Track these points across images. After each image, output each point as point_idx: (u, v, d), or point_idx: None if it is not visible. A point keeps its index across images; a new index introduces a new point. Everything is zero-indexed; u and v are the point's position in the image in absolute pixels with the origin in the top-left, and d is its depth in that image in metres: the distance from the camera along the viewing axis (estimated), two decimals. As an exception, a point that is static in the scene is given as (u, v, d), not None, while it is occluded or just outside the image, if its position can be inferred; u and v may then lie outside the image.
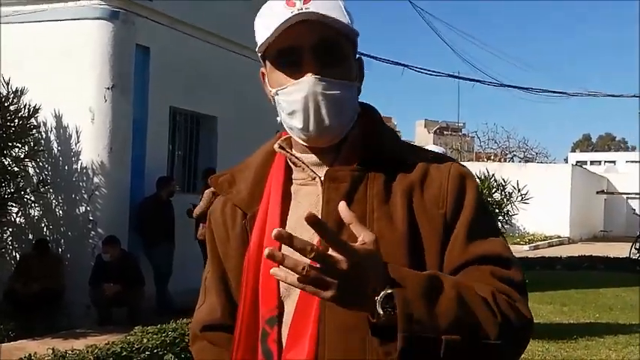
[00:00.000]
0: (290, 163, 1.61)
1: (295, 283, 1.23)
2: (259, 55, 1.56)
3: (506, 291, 1.44)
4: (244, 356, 1.55)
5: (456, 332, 1.30)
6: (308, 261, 1.20)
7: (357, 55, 1.58)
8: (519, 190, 8.32)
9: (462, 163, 1.65)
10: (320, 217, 1.36)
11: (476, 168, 8.89)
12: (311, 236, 1.33)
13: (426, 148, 4.15)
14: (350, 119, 1.53)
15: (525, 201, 8.31)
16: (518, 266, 1.52)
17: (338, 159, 1.55)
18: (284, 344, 1.49)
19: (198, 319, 1.73)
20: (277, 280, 1.39)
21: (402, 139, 1.66)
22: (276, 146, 1.63)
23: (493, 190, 8.37)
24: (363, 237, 1.29)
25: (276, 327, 1.51)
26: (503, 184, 8.34)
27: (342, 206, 1.31)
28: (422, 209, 1.50)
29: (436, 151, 4.13)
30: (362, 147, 1.55)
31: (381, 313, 1.26)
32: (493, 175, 8.44)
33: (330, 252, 1.23)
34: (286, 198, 1.58)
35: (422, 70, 19.42)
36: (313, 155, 1.57)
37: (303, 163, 1.58)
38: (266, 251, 1.22)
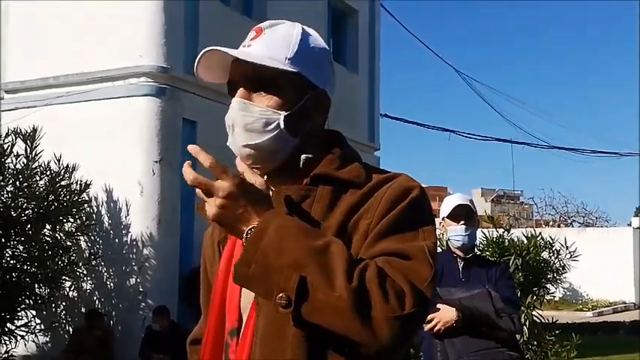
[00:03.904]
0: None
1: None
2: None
3: (393, 276, 1.43)
4: None
5: (301, 271, 1.39)
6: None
7: (313, 89, 1.67)
8: (567, 248, 8.17)
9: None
10: None
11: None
12: None
13: (453, 196, 4.15)
14: (274, 143, 1.63)
15: (574, 258, 8.16)
16: (426, 262, 1.50)
17: (296, 180, 1.66)
18: None
19: (191, 334, 1.91)
20: (240, 294, 1.62)
21: (361, 163, 1.71)
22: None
23: (541, 250, 8.23)
24: (255, 181, 1.54)
25: (235, 338, 1.62)
26: (551, 241, 8.21)
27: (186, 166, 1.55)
28: (354, 223, 1.57)
29: (461, 201, 4.10)
30: (314, 168, 1.64)
31: (244, 238, 1.47)
32: (540, 233, 8.32)
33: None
34: None
35: (469, 135, 19.42)
36: (278, 178, 1.68)
37: (266, 184, 1.69)
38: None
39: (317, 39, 1.72)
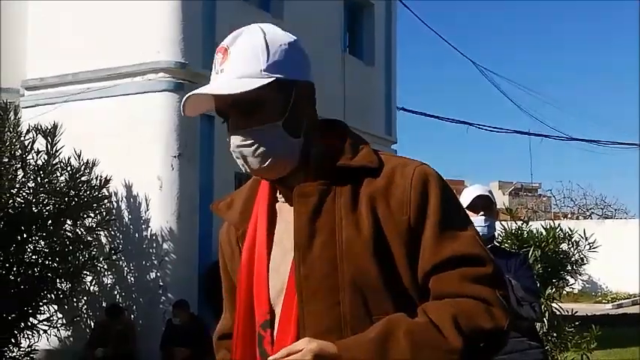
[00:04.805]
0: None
1: None
2: None
3: (476, 296, 1.57)
4: (244, 359, 1.70)
5: None
6: None
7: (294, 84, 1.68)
8: (586, 239, 8.14)
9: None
10: (293, 230, 1.62)
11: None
12: (291, 247, 1.64)
13: (472, 187, 4.15)
14: (284, 151, 1.65)
15: (594, 250, 8.13)
16: (488, 259, 1.62)
17: (308, 175, 1.67)
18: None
19: (217, 329, 1.94)
20: (267, 286, 1.67)
21: (370, 148, 1.73)
22: None
23: (560, 241, 8.20)
24: (302, 347, 1.51)
25: (269, 330, 1.66)
26: (570, 233, 8.18)
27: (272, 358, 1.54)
28: (387, 215, 1.61)
29: (480, 192, 4.10)
30: (328, 161, 1.67)
31: None
32: (559, 224, 8.30)
33: None
34: (273, 215, 1.73)
35: (486, 128, 19.36)
36: (287, 175, 1.70)
37: (276, 183, 1.73)
38: None
39: (280, 36, 1.70)
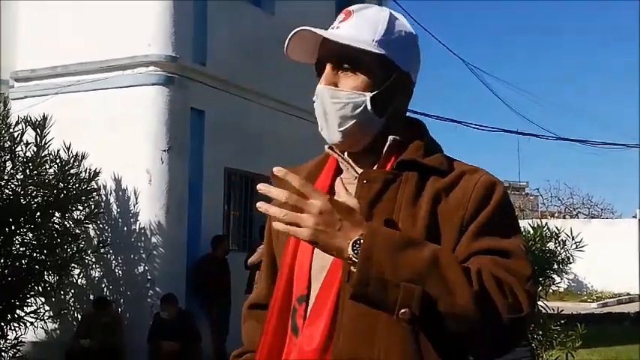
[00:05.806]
0: (340, 163, 1.78)
1: (281, 225, 1.46)
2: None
3: (504, 277, 1.52)
4: (276, 329, 1.72)
5: (419, 284, 1.43)
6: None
7: (398, 70, 1.72)
8: (573, 238, 8.20)
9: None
10: None
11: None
12: None
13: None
14: (363, 123, 1.68)
15: (580, 249, 8.18)
16: (526, 261, 1.60)
17: (378, 162, 1.71)
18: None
19: (249, 299, 1.96)
20: (310, 262, 1.68)
21: (443, 152, 1.78)
22: (326, 147, 1.80)
23: (547, 240, 8.25)
24: (347, 200, 1.50)
25: (304, 304, 1.68)
26: (557, 232, 8.23)
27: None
28: (446, 213, 1.62)
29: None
30: (401, 153, 1.70)
31: (351, 254, 1.45)
32: (546, 223, 8.36)
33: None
34: (331, 194, 1.72)
35: (475, 126, 19.42)
36: (357, 158, 1.74)
37: (346, 162, 1.75)
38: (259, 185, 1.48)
39: (404, 24, 1.76)
